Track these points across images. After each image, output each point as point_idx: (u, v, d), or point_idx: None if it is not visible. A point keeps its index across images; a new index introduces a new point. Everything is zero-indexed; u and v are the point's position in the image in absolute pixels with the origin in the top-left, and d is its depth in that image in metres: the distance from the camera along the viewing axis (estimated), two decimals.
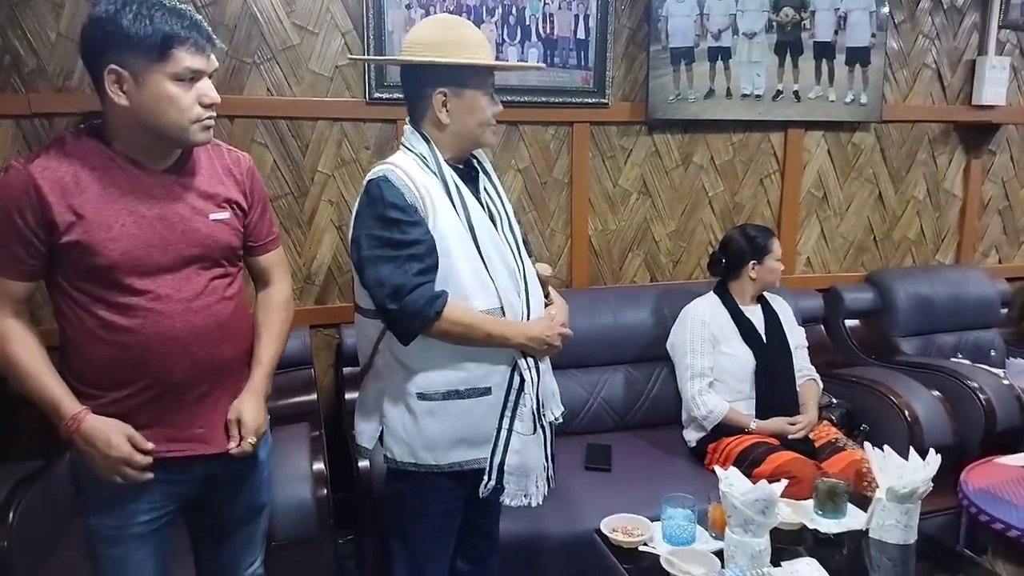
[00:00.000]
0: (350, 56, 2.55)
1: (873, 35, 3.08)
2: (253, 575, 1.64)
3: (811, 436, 2.42)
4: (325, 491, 1.94)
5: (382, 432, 1.68)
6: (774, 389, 2.46)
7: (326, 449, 2.11)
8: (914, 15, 3.20)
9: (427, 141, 1.63)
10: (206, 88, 1.36)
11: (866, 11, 3.05)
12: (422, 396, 1.61)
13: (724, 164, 3.06)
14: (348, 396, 2.41)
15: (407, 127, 1.67)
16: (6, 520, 1.74)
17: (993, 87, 3.26)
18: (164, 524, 1.49)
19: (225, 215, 1.47)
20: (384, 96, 2.59)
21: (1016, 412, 2.56)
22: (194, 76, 1.34)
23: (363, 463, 2.03)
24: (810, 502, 1.92)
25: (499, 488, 1.65)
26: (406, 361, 1.62)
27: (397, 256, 1.53)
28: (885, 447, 1.88)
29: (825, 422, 2.50)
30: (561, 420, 1.78)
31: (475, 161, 1.73)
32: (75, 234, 1.31)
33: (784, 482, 1.64)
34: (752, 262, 2.54)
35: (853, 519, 1.86)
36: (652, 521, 1.81)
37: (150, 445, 1.37)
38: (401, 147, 1.67)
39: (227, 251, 1.48)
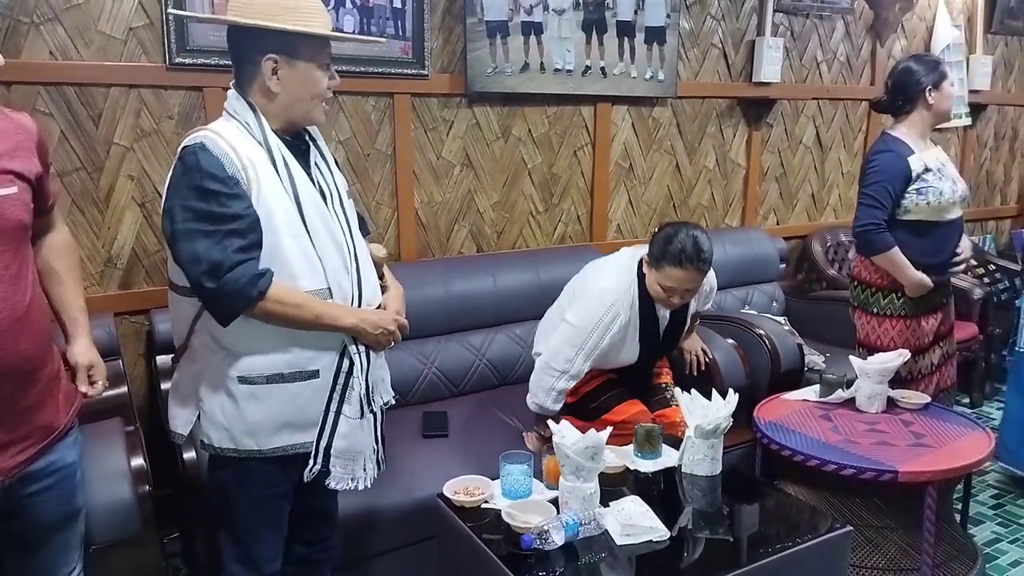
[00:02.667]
0: (172, 11, 2.31)
1: (668, 16, 3.33)
2: None
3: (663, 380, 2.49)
4: (146, 488, 1.81)
5: (199, 417, 1.59)
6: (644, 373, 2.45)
7: (144, 444, 1.96)
8: None
9: (253, 109, 1.53)
10: None
11: None
12: (243, 380, 1.53)
13: (541, 136, 3.18)
14: (164, 387, 2.25)
15: (231, 91, 1.56)
16: None
17: (769, 65, 3.65)
18: None
19: (12, 190, 1.32)
20: (187, 61, 2.42)
21: (796, 355, 2.93)
22: None
23: (188, 455, 1.93)
24: (631, 446, 2.09)
25: (324, 472, 1.61)
26: (226, 343, 1.53)
27: (216, 231, 1.43)
28: (692, 390, 2.09)
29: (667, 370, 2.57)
30: (392, 403, 1.78)
31: (307, 134, 1.66)
32: None
33: (609, 429, 1.77)
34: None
35: (668, 458, 2.06)
36: (493, 480, 1.89)
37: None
38: (224, 113, 1.56)
39: (17, 230, 1.33)
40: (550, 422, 1.83)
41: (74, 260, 1.59)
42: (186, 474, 1.96)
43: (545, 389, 2.22)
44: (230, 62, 1.58)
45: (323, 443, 1.59)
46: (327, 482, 1.62)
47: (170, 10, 2.34)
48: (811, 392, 2.57)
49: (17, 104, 2.18)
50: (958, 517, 2.57)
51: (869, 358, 2.46)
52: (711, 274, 2.29)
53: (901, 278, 2.51)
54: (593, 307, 2.19)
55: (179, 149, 1.49)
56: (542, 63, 3.08)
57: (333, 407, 1.59)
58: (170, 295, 1.60)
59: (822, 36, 3.94)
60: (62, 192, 2.29)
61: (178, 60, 2.40)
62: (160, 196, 2.42)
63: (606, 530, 1.69)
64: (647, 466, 2.03)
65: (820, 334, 3.35)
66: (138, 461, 1.84)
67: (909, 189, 2.49)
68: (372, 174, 2.85)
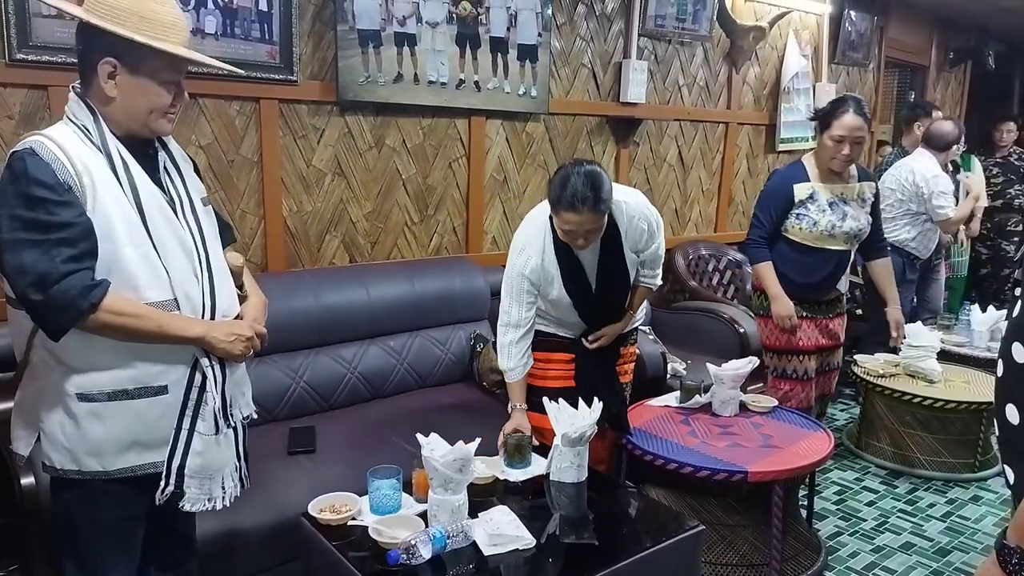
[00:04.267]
0: None
1: (540, 34, 3.42)
2: None
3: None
4: None
5: (40, 437, 1.48)
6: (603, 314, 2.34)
7: None
8: (572, 19, 3.62)
9: (92, 112, 1.45)
10: None
11: (533, 11, 3.37)
12: (83, 397, 1.44)
13: (416, 147, 3.18)
14: (1, 407, 2.06)
15: (72, 93, 1.47)
16: None
17: (635, 87, 3.82)
18: None
19: None
20: (30, 58, 2.24)
21: (660, 362, 3.07)
22: None
23: (27, 480, 1.78)
24: (500, 457, 2.12)
25: (178, 493, 1.53)
26: (63, 357, 1.43)
27: (44, 240, 1.34)
28: (560, 400, 2.14)
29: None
30: (254, 418, 1.72)
31: (157, 140, 1.57)
32: None
33: (478, 440, 1.79)
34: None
35: (537, 467, 2.10)
36: (361, 496, 1.86)
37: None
38: (64, 116, 1.47)
39: None
40: (419, 435, 1.83)
41: None
42: (25, 500, 1.80)
43: (500, 347, 2.29)
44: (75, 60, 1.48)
45: (175, 463, 1.51)
46: (181, 504, 1.54)
47: None
48: (672, 398, 2.71)
49: None
50: (804, 513, 2.78)
51: (723, 364, 2.62)
52: (643, 214, 2.21)
53: (766, 291, 2.81)
54: (512, 256, 2.28)
55: (8, 155, 1.39)
56: (416, 74, 3.08)
57: (186, 424, 1.51)
58: (8, 309, 1.47)
59: (683, 61, 4.17)
60: None
61: (19, 56, 2.23)
62: None
63: (474, 541, 1.71)
64: (516, 475, 2.06)
65: (682, 342, 3.54)
66: None
67: (791, 212, 2.76)
68: (237, 181, 2.74)
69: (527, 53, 3.40)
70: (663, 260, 2.40)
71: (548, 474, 2.05)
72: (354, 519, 1.79)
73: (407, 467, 1.93)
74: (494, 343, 2.96)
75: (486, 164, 3.42)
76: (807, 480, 2.80)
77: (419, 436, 1.82)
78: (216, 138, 2.67)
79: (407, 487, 1.91)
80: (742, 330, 3.44)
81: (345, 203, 3.03)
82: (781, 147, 4.79)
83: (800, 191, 2.74)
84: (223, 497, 1.59)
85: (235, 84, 2.64)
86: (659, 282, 2.43)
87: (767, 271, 2.79)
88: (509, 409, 2.29)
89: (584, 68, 3.72)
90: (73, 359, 1.43)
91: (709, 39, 4.22)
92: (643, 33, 3.88)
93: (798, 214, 2.75)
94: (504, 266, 3.35)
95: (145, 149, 1.54)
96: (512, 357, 2.26)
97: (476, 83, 3.26)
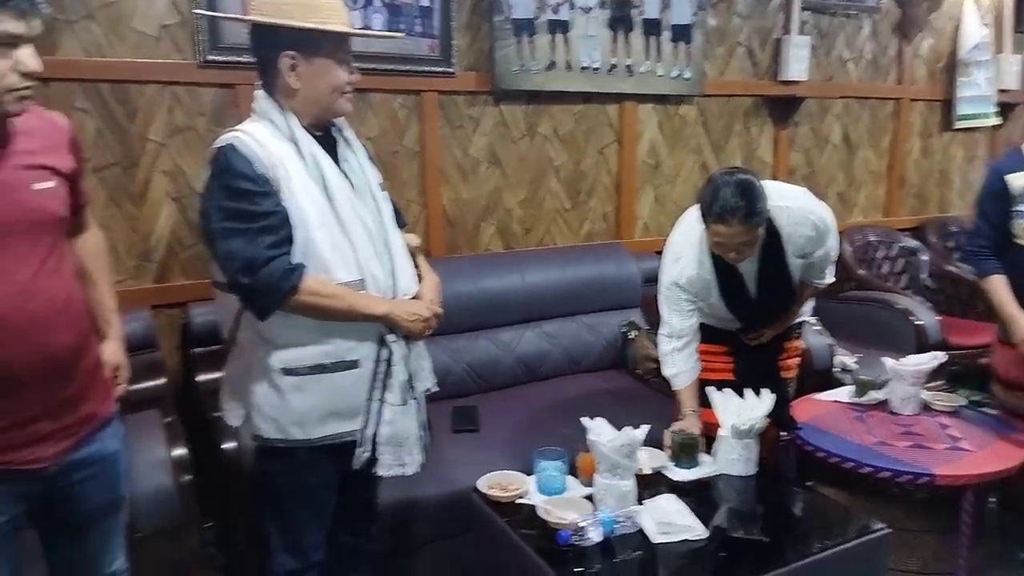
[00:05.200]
0: (196, 11, 2.34)
1: (694, 14, 3.31)
2: (117, 571, 1.53)
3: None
4: (188, 477, 1.83)
5: (249, 410, 1.61)
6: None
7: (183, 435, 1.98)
8: None
9: (280, 106, 1.56)
10: (25, 56, 1.24)
11: None
12: (287, 371, 1.56)
13: (567, 134, 3.18)
14: (200, 378, 2.27)
15: (259, 91, 1.59)
16: None
17: (796, 64, 3.62)
18: (12, 529, 1.35)
19: (50, 184, 1.35)
20: (219, 59, 2.43)
21: (827, 354, 2.90)
22: (12, 42, 1.21)
23: (228, 445, 1.94)
24: (665, 452, 2.03)
25: (373, 459, 1.64)
26: (268, 336, 1.56)
27: (248, 228, 1.47)
28: (725, 389, 2.07)
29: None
30: (436, 390, 1.80)
31: (335, 129, 1.68)
32: None
33: (646, 427, 1.77)
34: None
35: (705, 468, 1.99)
36: (527, 476, 1.89)
37: None
38: (252, 113, 1.59)
39: (56, 224, 1.36)
40: (584, 419, 1.83)
41: (106, 262, 1.63)
42: (226, 463, 1.97)
43: (662, 355, 2.16)
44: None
45: (368, 431, 1.61)
46: (375, 469, 1.64)
47: (194, 10, 2.36)
48: (844, 393, 2.55)
49: (55, 101, 2.20)
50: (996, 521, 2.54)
51: (901, 359, 2.43)
52: (807, 219, 1.99)
53: (997, 312, 2.28)
54: (666, 265, 2.15)
55: (211, 151, 1.52)
56: (568, 61, 3.08)
57: (376, 395, 1.61)
58: (215, 292, 1.62)
59: (849, 34, 3.90)
60: (98, 187, 2.32)
61: (210, 58, 2.42)
62: (195, 192, 2.47)
63: (642, 528, 1.69)
64: (683, 475, 1.96)
65: (850, 334, 3.32)
66: (179, 451, 1.87)
67: (1011, 209, 2.24)
68: (400, 171, 2.86)
69: (681, 34, 3.31)
70: (835, 260, 2.19)
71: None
72: (521, 498, 1.82)
73: (568, 450, 1.94)
74: (647, 330, 2.93)
75: (637, 149, 3.37)
76: (1004, 486, 2.54)
77: (585, 420, 1.82)
78: (381, 131, 2.79)
79: (571, 469, 1.92)
80: (919, 323, 3.18)
81: (500, 191, 3.08)
82: (959, 124, 4.39)
83: (1016, 182, 2.23)
84: (411, 464, 1.68)
85: (398, 79, 2.75)
86: (830, 281, 2.21)
87: (994, 286, 2.25)
88: (679, 416, 2.14)
89: (740, 47, 3.57)
90: (277, 337, 1.55)
91: (877, 10, 3.93)
92: (805, 6, 3.66)
93: (1018, 211, 2.23)
94: (657, 252, 3.32)
95: (328, 138, 1.64)
96: (675, 364, 2.13)
97: (628, 67, 3.21)
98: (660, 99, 3.37)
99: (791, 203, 2.00)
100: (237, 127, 1.55)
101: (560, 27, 3.03)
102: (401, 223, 1.78)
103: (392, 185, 2.82)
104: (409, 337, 1.64)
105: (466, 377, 2.72)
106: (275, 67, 1.54)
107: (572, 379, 2.88)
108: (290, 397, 1.56)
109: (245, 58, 2.42)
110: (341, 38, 1.58)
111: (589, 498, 1.79)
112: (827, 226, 2.04)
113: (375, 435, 1.63)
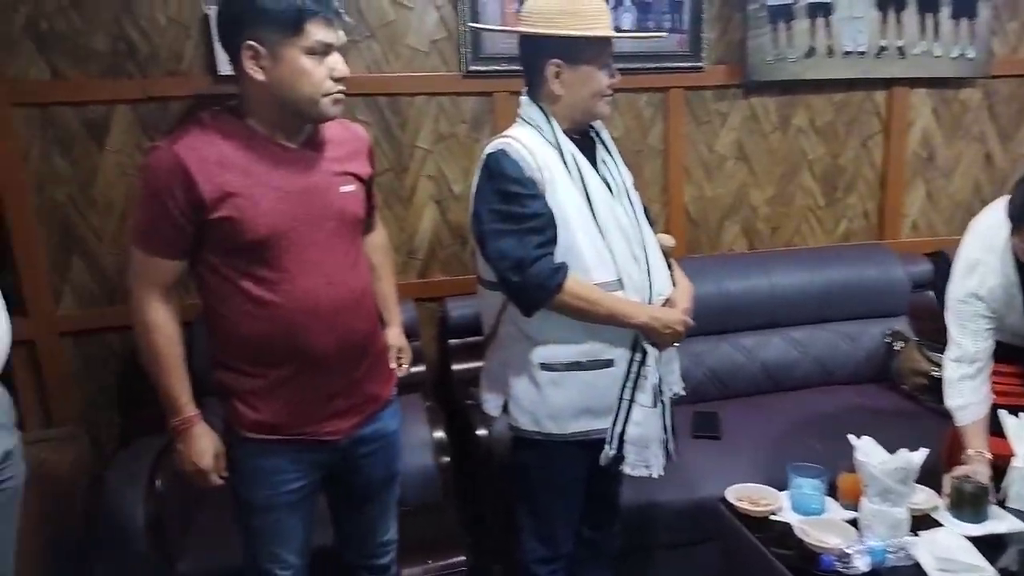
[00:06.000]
0: (470, 24, 2.51)
1: None
2: (390, 540, 1.70)
3: None
4: (447, 459, 1.98)
5: (506, 401, 1.70)
6: None
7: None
8: None
9: (544, 112, 1.63)
10: (336, 61, 1.39)
11: None
12: (545, 367, 1.63)
13: (825, 125, 2.96)
14: (456, 367, 2.45)
15: (524, 98, 1.67)
16: (154, 488, 1.84)
17: None
18: (310, 492, 1.55)
19: (353, 187, 1.51)
20: (480, 69, 2.59)
21: None
22: (325, 50, 1.36)
23: (481, 431, 2.07)
24: (943, 500, 1.74)
25: (619, 457, 1.66)
26: (529, 332, 1.63)
27: (517, 229, 1.54)
28: (1020, 414, 1.80)
29: None
30: (683, 394, 1.78)
31: (592, 131, 1.72)
32: (224, 210, 1.35)
33: (924, 451, 1.59)
34: None
35: (996, 523, 1.66)
36: (779, 491, 1.79)
37: (224, 475, 1.49)
38: (518, 119, 1.67)
39: (356, 223, 1.52)
40: (850, 436, 1.69)
41: (390, 259, 1.82)
42: (478, 449, 2.10)
43: (946, 381, 1.86)
44: (517, 67, 1.69)
45: (617, 429, 1.65)
46: (622, 467, 1.67)
47: (469, 23, 2.52)
48: None
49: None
50: None
51: None
52: None
53: None
54: (957, 275, 1.87)
55: (483, 156, 1.62)
56: (829, 46, 2.86)
57: (627, 395, 1.64)
58: (479, 289, 1.74)
59: None
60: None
61: (472, 68, 2.58)
62: (453, 194, 2.66)
63: (917, 562, 1.53)
64: (965, 529, 1.63)
65: None
66: (439, 433, 2.02)
67: None
68: (642, 170, 2.84)
69: (963, 8, 2.93)
70: None
71: (1003, 500, 1.74)
72: (774, 514, 1.73)
73: (825, 468, 1.80)
74: (917, 341, 2.64)
75: (908, 139, 3.04)
76: None
77: (851, 438, 1.68)
78: (626, 130, 2.80)
79: (830, 490, 1.79)
80: None
81: (746, 188, 2.95)
82: None
83: None
84: (656, 466, 1.69)
85: (644, 77, 2.73)
86: None
87: None
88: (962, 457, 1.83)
89: None
90: (537, 334, 1.63)
91: None
92: None
93: None
94: (928, 254, 3.00)
95: (586, 141, 1.69)
96: (963, 394, 1.81)
97: (900, 49, 2.91)
98: (936, 83, 3.01)
99: None
100: (506, 133, 1.64)
101: (821, 10, 2.83)
102: (649, 222, 1.79)
103: (636, 184, 2.83)
104: (655, 346, 1.64)
105: (706, 382, 2.65)
106: (541, 75, 1.61)
107: (824, 391, 2.69)
108: (547, 391, 1.62)
109: (503, 67, 2.57)
110: (605, 43, 1.61)
111: (852, 523, 1.66)
112: None
113: (623, 434, 1.65)
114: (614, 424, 1.64)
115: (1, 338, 1.42)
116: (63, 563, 2.10)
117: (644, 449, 1.67)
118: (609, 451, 1.65)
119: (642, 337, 1.62)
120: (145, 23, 2.33)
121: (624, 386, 1.64)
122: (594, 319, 1.58)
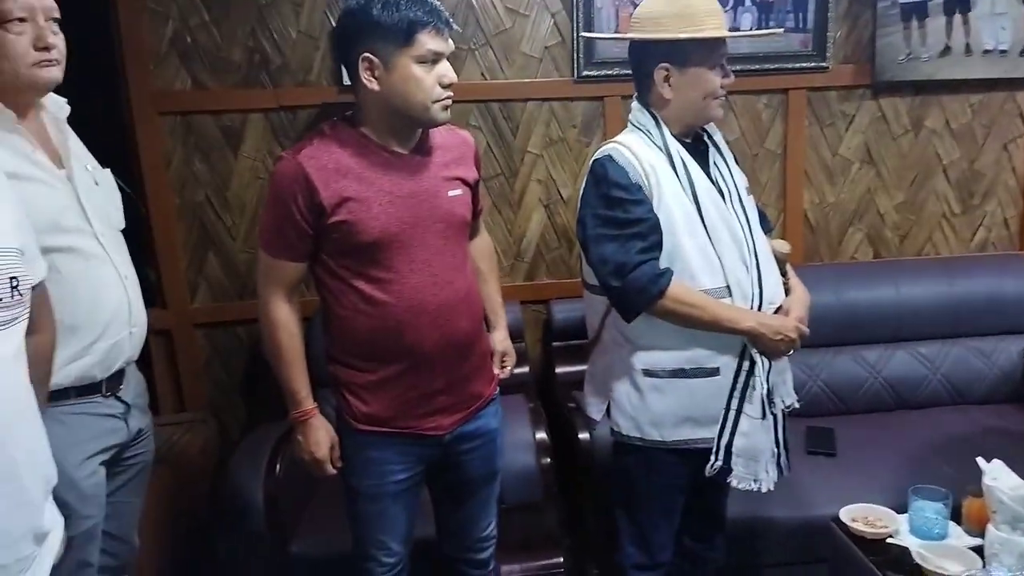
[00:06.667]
0: (584, 34, 2.53)
1: None
2: (489, 535, 1.73)
3: None
4: (548, 459, 1.99)
5: (609, 405, 1.70)
6: None
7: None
8: None
9: (653, 117, 1.62)
10: (445, 69, 1.44)
11: None
12: (648, 372, 1.61)
13: (961, 128, 2.77)
14: (559, 370, 2.46)
15: (634, 104, 1.67)
16: (274, 472, 1.96)
17: None
18: (414, 484, 1.61)
19: (460, 191, 1.56)
20: (592, 74, 2.59)
21: None
22: (435, 58, 1.42)
23: (583, 435, 2.07)
24: None
25: (726, 469, 1.62)
26: (632, 337, 1.62)
27: (620, 235, 1.54)
28: None
29: None
30: (797, 407, 1.71)
31: (705, 135, 1.69)
32: (341, 215, 1.43)
33: None
34: None
35: None
36: (898, 514, 1.70)
37: (338, 465, 1.57)
38: (628, 124, 1.67)
39: (462, 226, 1.57)
40: (979, 459, 1.58)
41: (495, 263, 1.86)
42: (579, 451, 2.10)
43: None
44: (627, 72, 1.70)
45: (724, 440, 1.61)
46: (729, 480, 1.63)
47: (581, 33, 2.53)
48: None
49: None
50: None
51: None
52: None
53: None
54: None
55: (590, 162, 1.63)
56: (968, 44, 2.68)
57: (734, 405, 1.60)
58: (584, 293, 1.75)
59: None
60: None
61: (584, 73, 2.59)
62: (562, 198, 2.68)
63: None
64: None
65: None
66: (541, 434, 2.04)
67: None
68: (759, 174, 2.75)
69: None
70: None
71: None
72: (891, 536, 1.64)
73: (951, 491, 1.69)
74: None
75: None
76: None
77: (980, 461, 1.57)
78: (743, 132, 2.72)
79: (954, 515, 1.68)
80: None
81: (872, 193, 2.80)
82: None
83: None
84: (766, 480, 1.64)
85: (764, 78, 2.66)
86: None
87: None
88: None
89: None
90: (640, 339, 1.62)
91: None
92: None
93: None
94: None
95: (697, 145, 1.66)
96: None
97: None
98: None
99: None
100: (615, 138, 1.65)
101: (960, 6, 2.65)
102: (767, 228, 1.75)
103: (750, 189, 2.75)
104: (766, 355, 1.59)
105: (822, 395, 2.52)
106: (650, 79, 1.60)
107: (954, 411, 2.51)
108: (649, 397, 1.61)
109: (614, 71, 2.57)
110: (715, 43, 1.58)
111: (976, 550, 1.54)
112: None
113: (730, 445, 1.61)
114: (720, 434, 1.60)
115: (139, 326, 1.56)
116: (189, 536, 2.27)
117: (753, 462, 1.62)
118: (716, 462, 1.61)
119: (750, 345, 1.57)
120: (278, 36, 2.49)
121: (731, 396, 1.59)
122: (698, 325, 1.55)
